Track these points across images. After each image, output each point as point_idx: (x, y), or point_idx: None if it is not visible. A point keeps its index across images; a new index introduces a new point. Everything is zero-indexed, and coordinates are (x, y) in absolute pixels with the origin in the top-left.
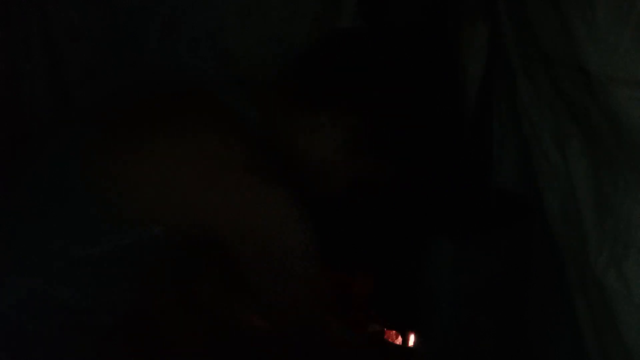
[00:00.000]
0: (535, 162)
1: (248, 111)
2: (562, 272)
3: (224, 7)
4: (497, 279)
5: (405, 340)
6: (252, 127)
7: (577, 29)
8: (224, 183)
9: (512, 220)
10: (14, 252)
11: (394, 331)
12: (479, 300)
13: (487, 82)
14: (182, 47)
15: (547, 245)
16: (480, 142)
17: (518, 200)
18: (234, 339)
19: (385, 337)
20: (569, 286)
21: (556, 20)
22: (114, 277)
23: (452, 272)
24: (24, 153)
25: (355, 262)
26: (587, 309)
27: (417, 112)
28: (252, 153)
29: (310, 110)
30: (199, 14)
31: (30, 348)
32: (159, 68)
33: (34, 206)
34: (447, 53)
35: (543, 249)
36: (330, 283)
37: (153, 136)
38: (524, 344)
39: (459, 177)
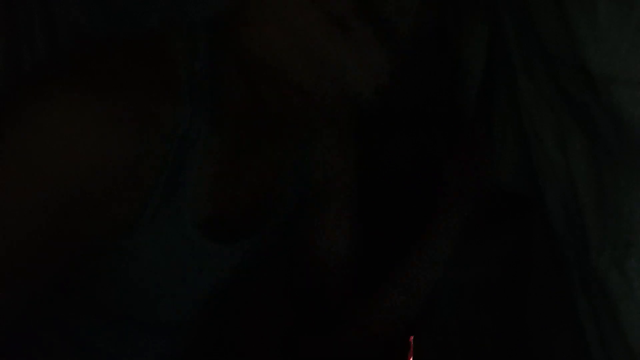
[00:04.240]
0: (535, 162)
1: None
2: (563, 271)
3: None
4: (498, 278)
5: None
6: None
7: (578, 28)
8: None
9: (512, 220)
10: None
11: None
12: (479, 299)
13: (487, 81)
14: None
15: (548, 244)
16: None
17: (518, 200)
18: None
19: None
20: (570, 286)
21: (558, 19)
22: None
23: (452, 271)
24: None
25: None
26: (588, 309)
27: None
28: None
29: None
30: (197, 8)
31: None
32: None
33: None
34: (446, 52)
35: (544, 249)
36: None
37: None
38: (524, 343)
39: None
